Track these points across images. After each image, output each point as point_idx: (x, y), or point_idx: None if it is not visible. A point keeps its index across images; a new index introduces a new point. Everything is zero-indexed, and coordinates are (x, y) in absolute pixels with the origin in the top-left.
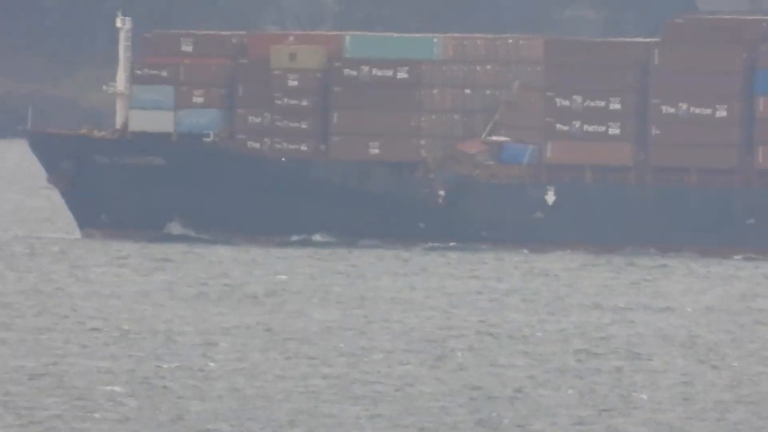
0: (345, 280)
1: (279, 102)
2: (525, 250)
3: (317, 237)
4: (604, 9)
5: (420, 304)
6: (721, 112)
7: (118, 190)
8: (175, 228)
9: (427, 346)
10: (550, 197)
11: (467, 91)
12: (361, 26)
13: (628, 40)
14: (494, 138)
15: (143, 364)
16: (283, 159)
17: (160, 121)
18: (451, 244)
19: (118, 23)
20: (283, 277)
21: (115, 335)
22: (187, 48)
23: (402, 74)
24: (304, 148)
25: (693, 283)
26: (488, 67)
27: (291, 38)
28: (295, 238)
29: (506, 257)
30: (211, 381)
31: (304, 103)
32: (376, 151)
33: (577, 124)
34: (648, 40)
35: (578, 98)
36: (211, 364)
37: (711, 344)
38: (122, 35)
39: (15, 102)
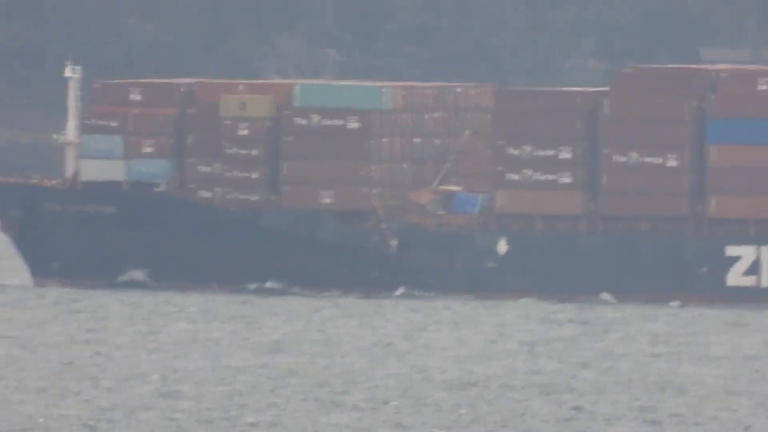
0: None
1: (229, 151)
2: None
3: (269, 284)
4: (606, 59)
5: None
6: (672, 161)
7: (70, 239)
8: (136, 275)
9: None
10: (502, 246)
11: (416, 139)
12: (363, 76)
13: (577, 89)
14: (445, 187)
15: None
16: (233, 209)
17: (111, 170)
18: (399, 292)
19: (68, 72)
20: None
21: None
22: (135, 97)
23: (352, 123)
24: (254, 197)
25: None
26: (437, 115)
27: (240, 86)
28: (252, 286)
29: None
30: None
31: (255, 152)
32: (328, 200)
33: (528, 172)
34: (596, 89)
35: (528, 147)
36: None
37: None
38: (72, 84)
39: None
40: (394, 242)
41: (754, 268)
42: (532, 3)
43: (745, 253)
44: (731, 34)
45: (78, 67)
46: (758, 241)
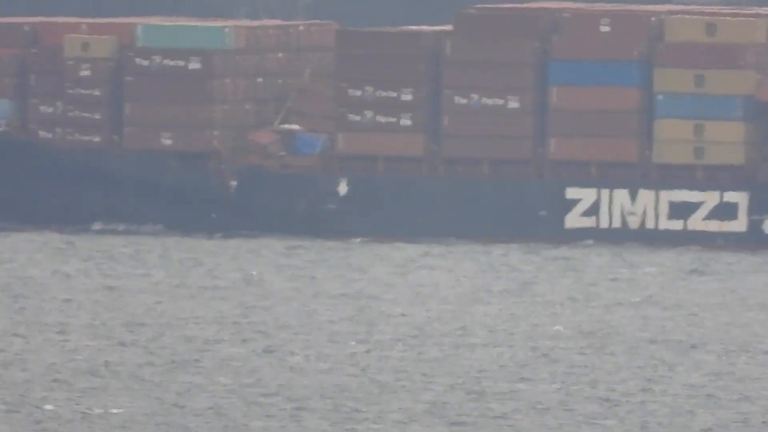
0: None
1: (71, 92)
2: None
3: (96, 225)
4: None
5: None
6: (514, 103)
7: None
8: None
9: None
10: (342, 188)
11: (259, 80)
12: (333, 18)
13: (421, 29)
14: (286, 126)
15: None
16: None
17: None
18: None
19: None
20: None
21: None
22: None
23: (194, 64)
24: (96, 138)
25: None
26: (280, 55)
27: (84, 26)
28: (98, 226)
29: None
30: None
31: (97, 93)
32: (169, 141)
33: (369, 114)
34: (440, 29)
35: (370, 88)
36: None
37: None
38: None
39: None
40: (233, 183)
41: (592, 210)
42: None
43: (585, 195)
44: None
45: None
46: (598, 183)
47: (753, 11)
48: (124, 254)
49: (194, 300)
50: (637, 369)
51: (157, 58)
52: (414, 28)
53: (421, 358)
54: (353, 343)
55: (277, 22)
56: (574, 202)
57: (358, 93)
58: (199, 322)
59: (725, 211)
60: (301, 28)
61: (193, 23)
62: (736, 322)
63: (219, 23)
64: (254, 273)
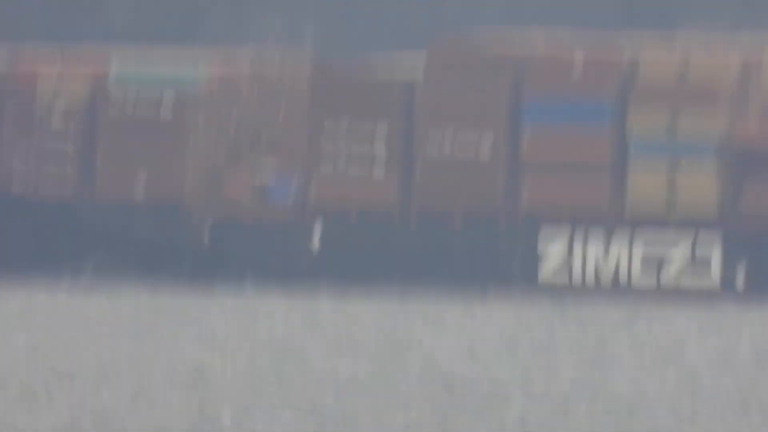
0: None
1: (43, 142)
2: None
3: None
4: None
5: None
6: (486, 141)
7: None
8: None
9: None
10: (315, 235)
11: (233, 127)
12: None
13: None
14: (260, 174)
15: None
16: None
17: None
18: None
19: None
20: None
21: None
22: None
23: (166, 113)
24: (68, 189)
25: None
26: (255, 99)
27: (56, 62)
28: (70, 278)
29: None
30: None
31: (69, 142)
32: (141, 191)
33: (343, 162)
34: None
35: (344, 137)
36: None
37: None
38: None
39: None
40: (207, 233)
41: (566, 262)
42: None
43: (558, 245)
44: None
45: None
46: (571, 233)
47: (727, 53)
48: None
49: None
50: None
51: (129, 107)
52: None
53: None
54: None
55: (251, 62)
56: (548, 252)
57: (331, 143)
58: None
59: (698, 262)
60: (275, 68)
61: (166, 69)
62: None
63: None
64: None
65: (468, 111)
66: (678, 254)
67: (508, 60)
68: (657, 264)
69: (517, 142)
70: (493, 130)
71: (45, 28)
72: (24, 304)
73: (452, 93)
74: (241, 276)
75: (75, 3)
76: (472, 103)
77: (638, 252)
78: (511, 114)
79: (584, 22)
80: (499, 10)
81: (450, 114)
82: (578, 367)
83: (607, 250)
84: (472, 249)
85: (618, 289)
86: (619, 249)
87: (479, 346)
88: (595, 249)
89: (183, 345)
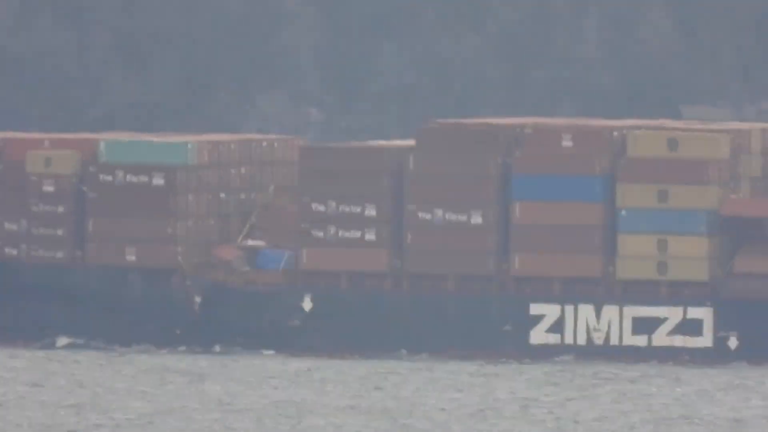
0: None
1: (35, 208)
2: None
3: (62, 340)
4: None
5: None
6: (477, 218)
7: None
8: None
9: None
10: (307, 303)
11: (222, 195)
12: (344, 136)
13: (383, 144)
14: (250, 243)
15: None
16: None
17: None
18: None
19: None
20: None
21: None
22: None
23: (157, 180)
24: (60, 254)
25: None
26: (243, 170)
27: (46, 142)
28: (63, 342)
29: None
30: None
31: (60, 209)
32: (133, 257)
33: (333, 229)
34: (403, 144)
35: (333, 203)
36: None
37: None
38: None
39: None
40: (198, 299)
41: (557, 326)
42: (513, 61)
43: (549, 311)
44: (713, 92)
45: None
46: (562, 299)
47: (716, 127)
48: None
49: None
50: None
51: (120, 174)
52: (377, 143)
53: None
54: None
55: (240, 136)
56: (539, 318)
57: (322, 208)
58: None
59: (690, 327)
60: (264, 143)
61: (155, 139)
62: None
63: (181, 138)
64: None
65: (458, 192)
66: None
67: (495, 140)
68: (648, 325)
69: (508, 220)
70: (483, 211)
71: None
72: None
73: (442, 175)
74: (233, 339)
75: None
76: (463, 185)
77: (629, 313)
78: (501, 193)
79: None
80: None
81: (441, 197)
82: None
83: (599, 312)
84: None
85: (609, 349)
86: (610, 311)
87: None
88: (586, 310)
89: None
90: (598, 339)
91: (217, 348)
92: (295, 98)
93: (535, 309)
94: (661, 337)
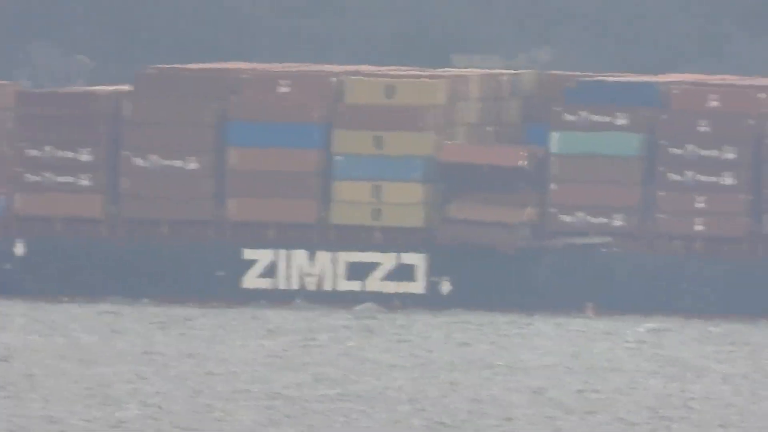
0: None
1: None
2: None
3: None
4: None
5: None
6: (193, 164)
7: None
8: None
9: None
10: (19, 249)
11: None
12: (114, 81)
13: (99, 89)
14: None
15: None
16: None
17: None
18: None
19: None
20: None
21: None
22: None
23: None
24: None
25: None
26: None
27: None
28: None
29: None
30: None
31: None
32: None
33: (48, 174)
34: (119, 88)
35: (48, 148)
36: None
37: None
38: None
39: None
40: None
41: (269, 271)
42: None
43: (262, 256)
44: (484, 42)
45: None
46: (275, 244)
47: (433, 73)
48: None
49: None
50: None
51: None
52: (92, 88)
53: None
54: None
55: None
56: (251, 263)
57: (37, 153)
58: None
59: (403, 273)
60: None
61: None
62: None
63: None
64: None
65: (175, 139)
66: (383, 261)
67: (213, 86)
68: (362, 270)
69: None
70: (200, 157)
71: None
72: None
73: (158, 122)
74: None
75: None
76: (179, 131)
77: (343, 258)
78: (218, 139)
79: None
80: None
81: (157, 143)
82: None
83: (312, 258)
84: None
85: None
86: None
87: None
88: (299, 256)
89: None
90: (311, 284)
91: None
92: (65, 45)
93: (248, 254)
94: (374, 282)
